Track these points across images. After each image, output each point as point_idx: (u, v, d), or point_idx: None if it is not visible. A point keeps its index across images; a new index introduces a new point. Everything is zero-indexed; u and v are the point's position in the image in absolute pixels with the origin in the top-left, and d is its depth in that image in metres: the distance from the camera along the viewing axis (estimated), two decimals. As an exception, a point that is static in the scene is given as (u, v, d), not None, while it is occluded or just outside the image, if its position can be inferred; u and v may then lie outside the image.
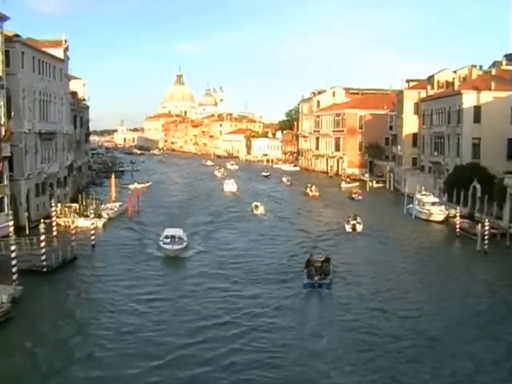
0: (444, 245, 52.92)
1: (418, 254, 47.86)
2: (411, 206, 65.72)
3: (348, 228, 56.63)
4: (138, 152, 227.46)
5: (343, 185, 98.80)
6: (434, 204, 63.39)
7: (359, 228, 56.49)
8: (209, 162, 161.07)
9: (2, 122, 49.54)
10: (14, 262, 33.83)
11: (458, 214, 54.93)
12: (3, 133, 49.19)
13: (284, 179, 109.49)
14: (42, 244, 38.24)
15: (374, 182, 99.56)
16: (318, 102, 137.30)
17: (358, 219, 57.60)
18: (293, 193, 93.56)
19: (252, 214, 68.03)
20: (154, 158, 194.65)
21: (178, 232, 47.87)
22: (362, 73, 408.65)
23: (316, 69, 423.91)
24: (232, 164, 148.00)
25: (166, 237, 46.37)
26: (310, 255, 40.12)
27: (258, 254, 46.40)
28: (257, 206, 69.41)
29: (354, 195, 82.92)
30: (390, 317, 30.98)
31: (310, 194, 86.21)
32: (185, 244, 45.73)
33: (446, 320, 30.61)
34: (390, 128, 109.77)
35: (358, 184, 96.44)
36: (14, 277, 33.64)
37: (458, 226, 53.98)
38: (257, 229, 59.13)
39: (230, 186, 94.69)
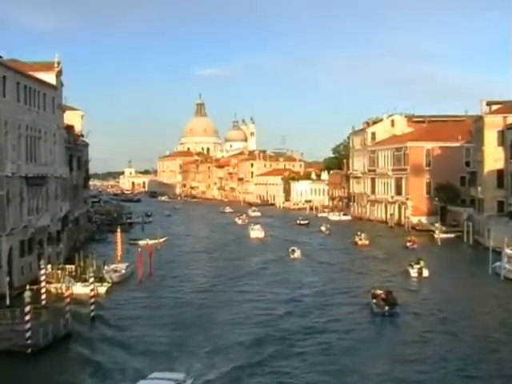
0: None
1: (506, 316, 48.48)
2: (498, 263, 64.26)
3: (413, 272, 63.82)
4: (135, 199, 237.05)
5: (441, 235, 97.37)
6: (529, 261, 62.05)
7: (426, 273, 63.24)
8: (227, 209, 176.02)
9: (-21, 164, 49.77)
10: (-10, 342, 33.38)
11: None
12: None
13: (323, 228, 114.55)
14: (27, 317, 37.88)
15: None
16: (373, 133, 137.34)
17: (422, 263, 64.28)
18: (335, 242, 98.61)
19: (289, 258, 78.93)
20: (165, 205, 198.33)
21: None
22: (428, 96, 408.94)
23: (369, 93, 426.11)
24: (254, 210, 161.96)
25: None
26: (373, 288, 51.43)
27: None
28: (293, 251, 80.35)
29: (408, 244, 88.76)
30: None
31: (359, 242, 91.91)
32: None
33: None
34: (467, 164, 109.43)
35: (459, 234, 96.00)
36: (-10, 360, 33.12)
37: None
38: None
39: (256, 232, 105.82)
